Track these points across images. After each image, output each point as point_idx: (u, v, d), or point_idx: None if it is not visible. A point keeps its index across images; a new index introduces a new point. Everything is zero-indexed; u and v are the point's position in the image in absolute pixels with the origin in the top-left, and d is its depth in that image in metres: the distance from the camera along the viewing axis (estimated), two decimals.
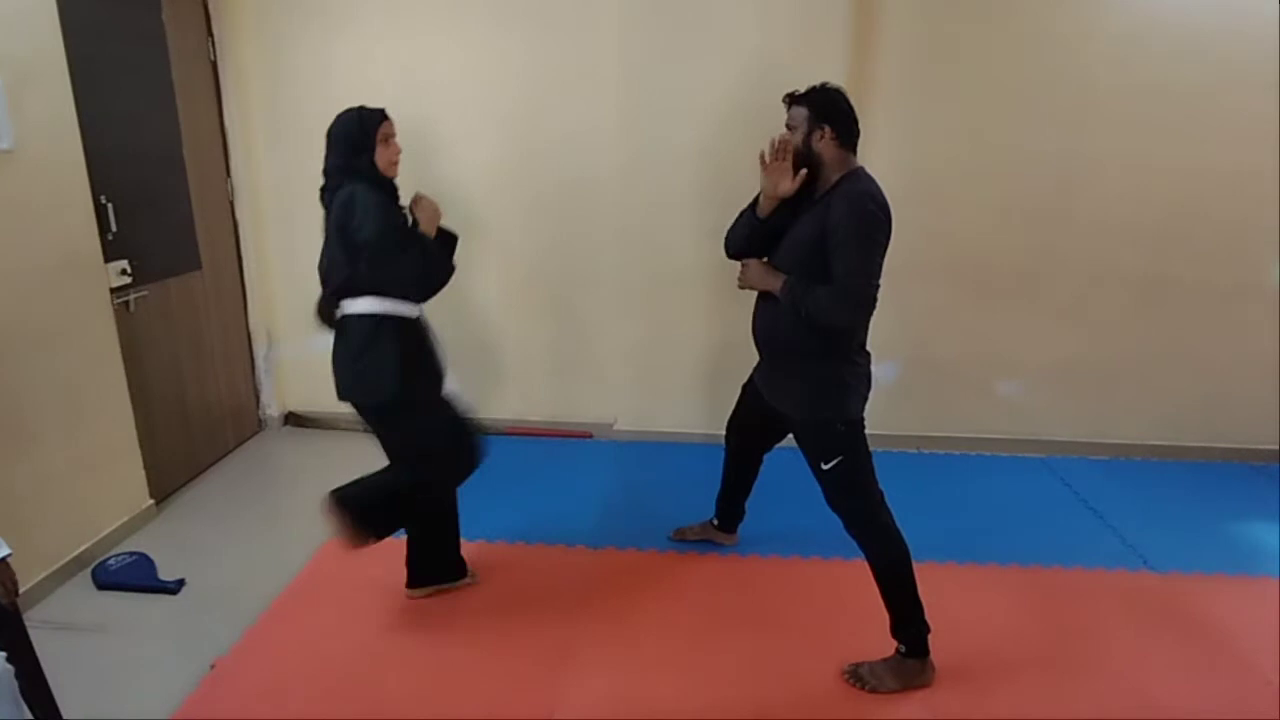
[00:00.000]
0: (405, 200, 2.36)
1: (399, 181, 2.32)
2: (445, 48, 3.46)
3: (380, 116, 2.28)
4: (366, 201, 2.16)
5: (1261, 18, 3.14)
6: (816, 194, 2.12)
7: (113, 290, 2.84)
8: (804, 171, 2.11)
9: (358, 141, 2.24)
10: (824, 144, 2.07)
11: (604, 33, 3.35)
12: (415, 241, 2.22)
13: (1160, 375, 3.60)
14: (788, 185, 2.12)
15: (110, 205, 2.81)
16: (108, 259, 2.80)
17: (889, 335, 3.48)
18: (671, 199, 3.50)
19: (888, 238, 2.04)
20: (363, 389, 2.29)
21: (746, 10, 3.25)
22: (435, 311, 3.82)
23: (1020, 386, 3.68)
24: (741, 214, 2.29)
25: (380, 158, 2.25)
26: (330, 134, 2.27)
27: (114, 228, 2.83)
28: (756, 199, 2.23)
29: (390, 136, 2.29)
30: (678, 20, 3.29)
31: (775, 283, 2.14)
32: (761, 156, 2.14)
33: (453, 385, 2.40)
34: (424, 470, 2.39)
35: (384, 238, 2.16)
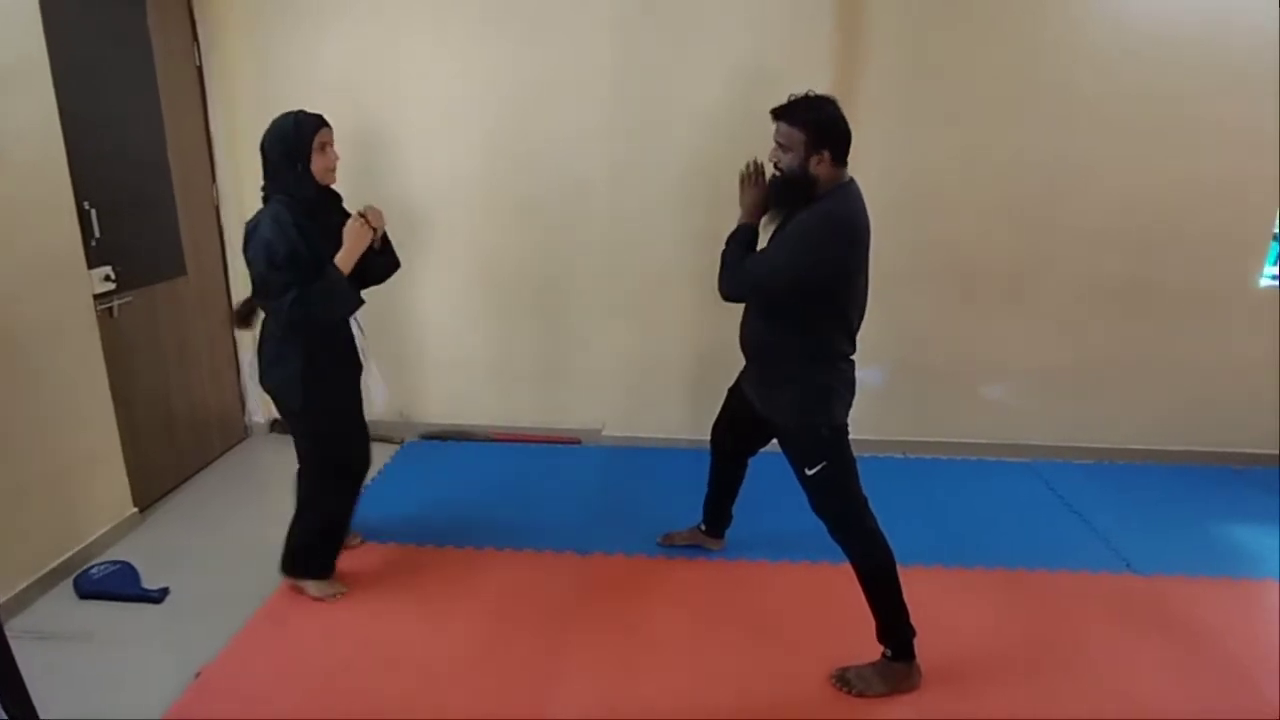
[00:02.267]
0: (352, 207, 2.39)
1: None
2: (433, 52, 3.46)
3: (317, 123, 2.26)
4: (261, 239, 2.19)
5: (1247, 26, 3.18)
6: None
7: (96, 296, 2.82)
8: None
9: (293, 148, 2.23)
10: (821, 167, 2.02)
11: (594, 39, 3.36)
12: (296, 284, 2.17)
13: (1144, 380, 3.64)
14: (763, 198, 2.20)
15: (93, 210, 2.78)
16: (91, 265, 2.78)
17: (877, 340, 3.48)
18: (659, 204, 3.51)
19: (839, 259, 2.02)
20: (275, 396, 2.42)
21: (735, 17, 3.27)
22: (428, 316, 3.83)
23: (1006, 391, 3.71)
24: (732, 248, 2.21)
25: (316, 165, 2.25)
26: (264, 139, 2.26)
27: (97, 233, 2.81)
28: (737, 232, 2.23)
29: (327, 144, 2.28)
30: (667, 26, 3.31)
31: (746, 216, 2.23)
32: (742, 179, 2.23)
33: (370, 384, 2.57)
34: (319, 481, 2.54)
35: (265, 283, 2.21)
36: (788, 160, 2.05)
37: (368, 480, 3.40)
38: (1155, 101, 3.29)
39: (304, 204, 2.26)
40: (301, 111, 2.28)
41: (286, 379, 2.35)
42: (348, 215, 2.40)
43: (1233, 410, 3.65)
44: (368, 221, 2.33)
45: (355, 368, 2.52)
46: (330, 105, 3.46)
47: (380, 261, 2.49)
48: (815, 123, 2.01)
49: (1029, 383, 3.69)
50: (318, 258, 2.24)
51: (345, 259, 2.25)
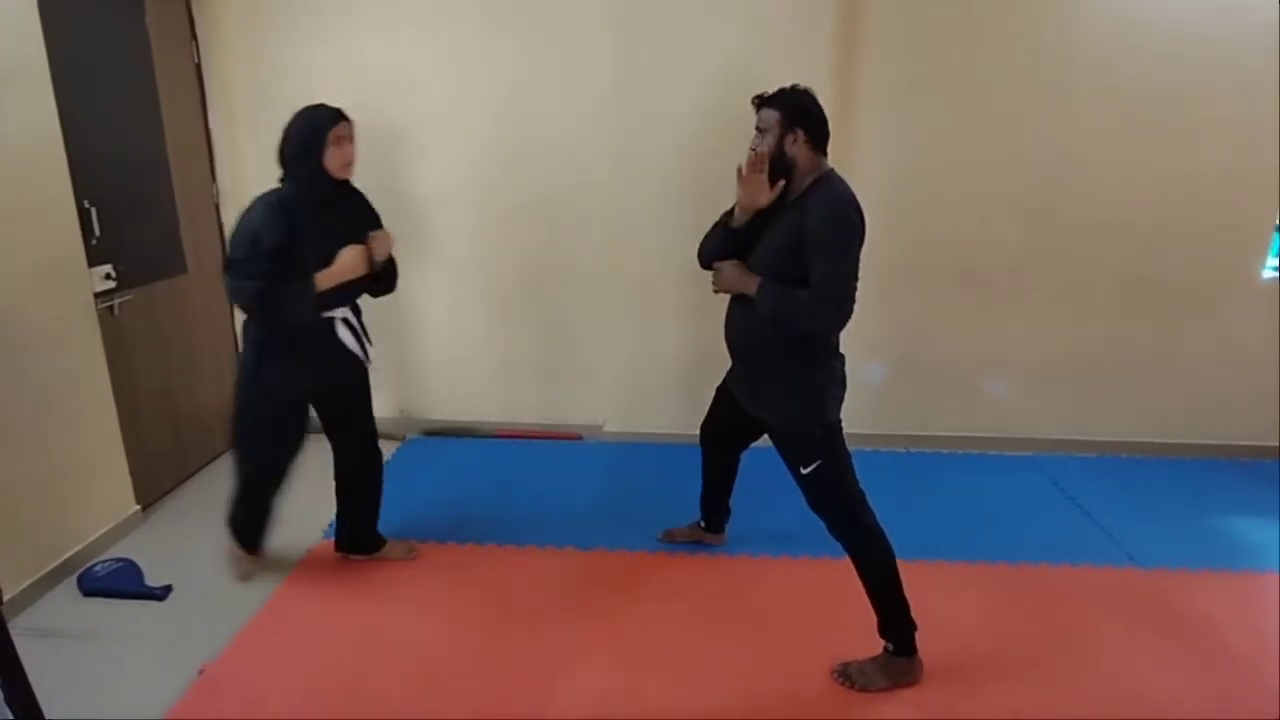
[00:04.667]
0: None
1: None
2: (432, 52, 3.46)
3: (334, 117, 2.26)
4: (251, 221, 2.22)
5: (1248, 19, 3.17)
6: (788, 198, 2.11)
7: (97, 295, 2.82)
8: (781, 183, 2.10)
9: (308, 140, 2.24)
10: (797, 147, 2.07)
11: (591, 37, 3.35)
12: (268, 276, 2.19)
13: (1147, 373, 3.63)
14: (766, 197, 2.10)
15: (94, 209, 2.78)
16: (91, 263, 2.78)
17: (877, 335, 3.50)
18: (657, 202, 3.50)
19: (862, 241, 2.05)
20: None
21: (733, 15, 3.26)
22: (429, 313, 3.83)
23: (1008, 385, 3.71)
24: (715, 226, 2.27)
25: (331, 159, 2.25)
26: (285, 129, 2.27)
27: (97, 232, 2.81)
28: (730, 211, 2.22)
29: (345, 139, 2.28)
30: (663, 25, 3.30)
31: (751, 285, 2.11)
32: (739, 170, 2.13)
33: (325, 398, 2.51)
34: (244, 455, 2.55)
35: (239, 262, 2.22)
36: (765, 143, 2.10)
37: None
38: (1156, 96, 3.27)
39: (312, 198, 2.27)
40: (323, 105, 2.29)
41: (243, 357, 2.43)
42: (367, 212, 2.46)
43: (1235, 403, 3.64)
44: (371, 250, 2.36)
45: (313, 368, 2.43)
46: (329, 102, 3.50)
47: (376, 285, 2.51)
48: (789, 102, 2.08)
49: (1031, 377, 3.68)
50: (304, 255, 2.25)
51: (328, 278, 2.27)
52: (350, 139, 2.31)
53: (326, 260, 2.29)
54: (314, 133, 2.23)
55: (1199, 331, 3.56)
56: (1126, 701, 2.16)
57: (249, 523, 2.66)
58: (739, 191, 2.14)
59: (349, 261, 2.31)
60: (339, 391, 2.56)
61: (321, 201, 2.30)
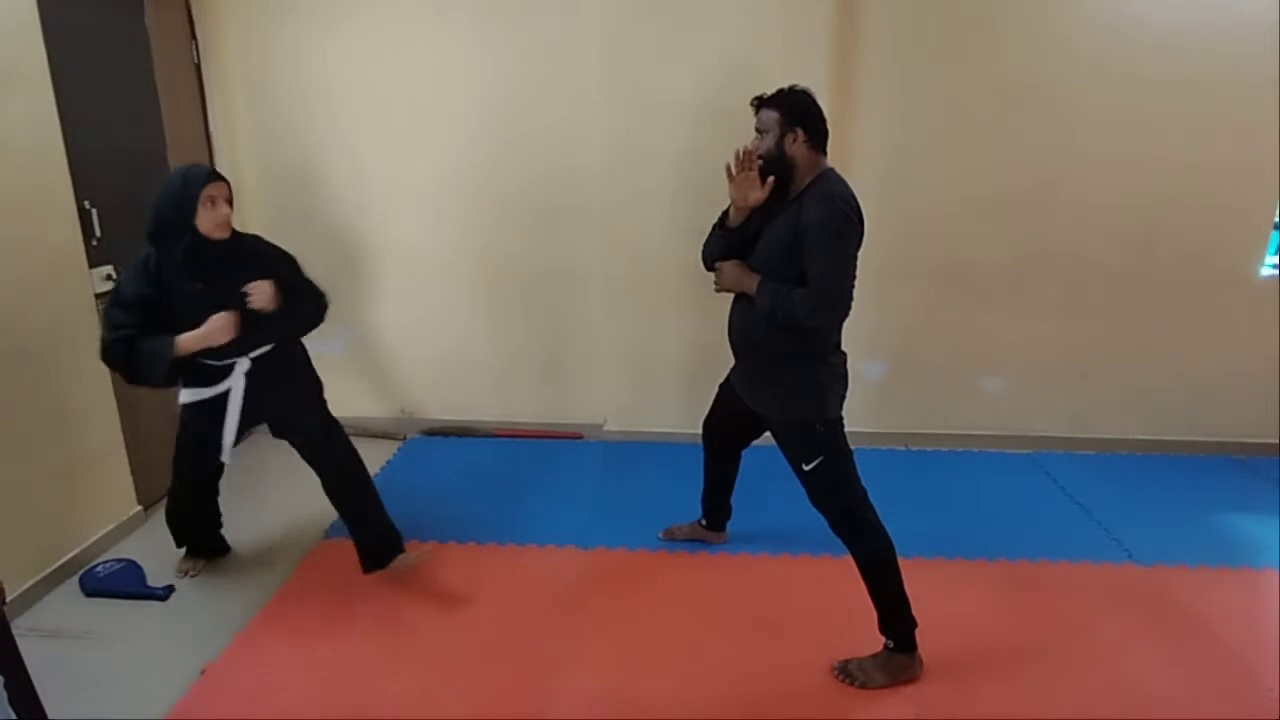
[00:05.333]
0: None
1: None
2: (431, 52, 3.46)
3: (207, 177, 2.23)
4: (124, 278, 2.28)
5: (1247, 14, 3.18)
6: (789, 196, 2.12)
7: (97, 296, 2.82)
8: (771, 179, 2.10)
9: (180, 201, 2.20)
10: (796, 147, 2.08)
11: (588, 32, 3.36)
12: (129, 329, 2.22)
13: (1145, 370, 3.64)
14: (757, 195, 2.11)
15: (94, 210, 2.79)
16: (92, 264, 2.78)
17: (876, 334, 3.51)
18: (657, 198, 3.51)
19: (860, 238, 2.06)
20: None
21: (729, 10, 3.26)
22: (429, 313, 3.83)
23: (1006, 383, 3.71)
24: (715, 225, 2.28)
25: (203, 220, 2.22)
26: (161, 188, 2.26)
27: (98, 233, 2.82)
28: (728, 210, 2.23)
29: (216, 199, 2.23)
30: (660, 20, 3.30)
31: (750, 284, 2.13)
32: (728, 168, 2.13)
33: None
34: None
35: (106, 313, 2.28)
36: (765, 144, 2.11)
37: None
38: (1154, 92, 3.28)
39: (181, 258, 2.22)
40: (197, 165, 2.30)
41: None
42: (259, 267, 2.35)
43: (1234, 400, 3.65)
44: (233, 316, 2.26)
45: (208, 406, 2.45)
46: (327, 100, 3.52)
47: (282, 321, 2.40)
48: (787, 102, 2.10)
49: (1029, 374, 3.69)
50: (174, 314, 2.24)
51: (189, 342, 2.23)
52: (225, 199, 2.26)
53: (199, 322, 2.24)
54: (185, 193, 2.21)
55: (1198, 328, 3.57)
56: (1125, 698, 2.17)
57: (173, 525, 2.75)
58: (731, 191, 2.15)
59: (214, 329, 2.23)
60: (277, 422, 2.59)
61: (197, 262, 2.24)
